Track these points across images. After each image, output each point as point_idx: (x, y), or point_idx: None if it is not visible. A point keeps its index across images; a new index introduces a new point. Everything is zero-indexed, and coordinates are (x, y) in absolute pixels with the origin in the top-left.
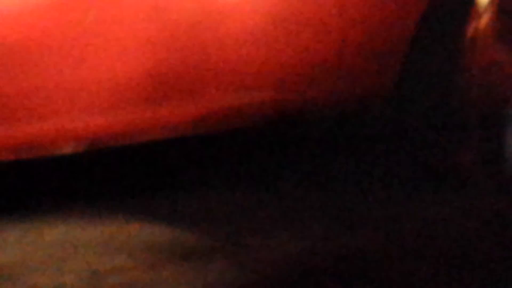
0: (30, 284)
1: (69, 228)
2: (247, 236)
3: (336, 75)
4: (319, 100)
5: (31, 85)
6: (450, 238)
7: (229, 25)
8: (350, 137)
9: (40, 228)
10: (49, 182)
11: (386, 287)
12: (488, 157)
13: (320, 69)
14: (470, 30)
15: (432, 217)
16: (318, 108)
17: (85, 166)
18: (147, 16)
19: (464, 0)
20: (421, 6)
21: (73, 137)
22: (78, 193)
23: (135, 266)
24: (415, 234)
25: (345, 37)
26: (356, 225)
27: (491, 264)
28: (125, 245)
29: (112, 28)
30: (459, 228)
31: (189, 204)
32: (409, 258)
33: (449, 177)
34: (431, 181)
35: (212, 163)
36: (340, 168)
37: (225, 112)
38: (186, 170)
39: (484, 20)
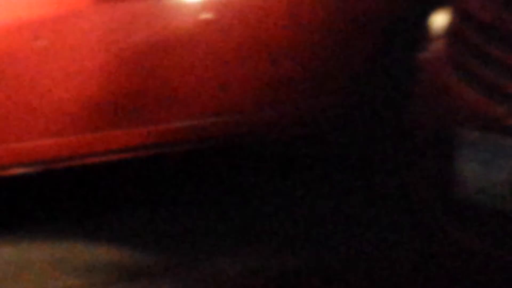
0: None
1: (19, 249)
2: (195, 256)
3: (286, 97)
4: (268, 122)
5: None
6: (396, 259)
7: (174, 54)
8: (299, 159)
9: None
10: None
11: None
12: (438, 179)
13: (269, 92)
14: (422, 55)
15: (379, 238)
16: (266, 130)
17: (34, 188)
18: (96, 44)
19: (416, 25)
20: (374, 32)
21: (23, 159)
22: (27, 215)
23: (85, 286)
24: (353, 253)
25: (297, 61)
26: (298, 245)
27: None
28: (75, 266)
29: (61, 55)
30: (407, 248)
31: (137, 225)
32: (350, 274)
33: (399, 199)
34: (380, 201)
35: (159, 184)
36: (288, 190)
37: (172, 135)
38: (134, 191)
39: (436, 45)
